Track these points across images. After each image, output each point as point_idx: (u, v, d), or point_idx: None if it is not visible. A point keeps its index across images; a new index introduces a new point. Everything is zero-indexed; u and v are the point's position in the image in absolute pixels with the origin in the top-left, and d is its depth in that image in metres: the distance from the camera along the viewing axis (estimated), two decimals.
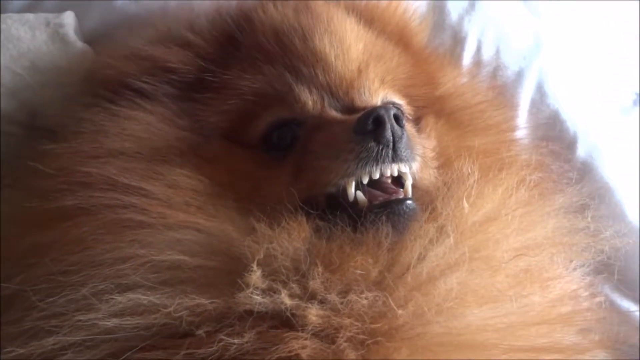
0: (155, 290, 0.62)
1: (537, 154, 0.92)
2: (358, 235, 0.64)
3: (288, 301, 0.60)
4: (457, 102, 0.88)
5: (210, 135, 0.75)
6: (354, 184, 0.67)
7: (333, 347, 0.59)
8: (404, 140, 0.68)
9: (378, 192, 0.68)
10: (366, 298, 0.60)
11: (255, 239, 0.63)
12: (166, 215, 0.66)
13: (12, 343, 0.63)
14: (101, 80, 0.79)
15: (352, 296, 0.61)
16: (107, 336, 0.60)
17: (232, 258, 0.63)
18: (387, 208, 0.66)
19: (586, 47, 1.20)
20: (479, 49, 1.05)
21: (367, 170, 0.67)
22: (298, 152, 0.71)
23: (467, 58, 1.04)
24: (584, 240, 0.77)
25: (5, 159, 0.80)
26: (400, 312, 0.60)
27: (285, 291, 0.61)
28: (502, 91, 1.02)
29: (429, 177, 0.75)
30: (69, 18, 0.88)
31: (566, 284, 0.73)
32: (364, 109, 0.71)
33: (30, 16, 0.87)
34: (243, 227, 0.66)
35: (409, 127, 0.74)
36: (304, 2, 0.85)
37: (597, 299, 0.80)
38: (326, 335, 0.60)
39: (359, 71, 0.77)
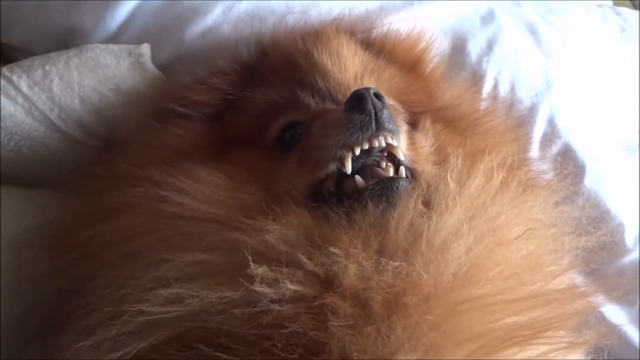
0: (188, 283, 0.65)
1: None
2: (359, 215, 0.69)
3: (291, 286, 0.63)
4: (455, 112, 0.94)
5: (234, 143, 0.85)
6: (350, 157, 0.73)
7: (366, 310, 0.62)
8: (386, 112, 0.74)
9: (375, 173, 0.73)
10: (390, 265, 0.64)
11: (255, 230, 0.68)
12: (193, 208, 0.73)
13: (79, 337, 0.66)
14: (156, 104, 0.94)
15: (377, 263, 0.63)
16: (157, 316, 0.64)
17: (237, 250, 0.67)
18: (381, 184, 0.72)
19: (593, 87, 1.26)
20: (496, 86, 1.14)
21: (356, 138, 0.73)
22: (302, 142, 0.80)
23: (485, 93, 1.12)
24: (576, 230, 0.79)
25: (80, 166, 0.92)
26: (425, 277, 0.63)
27: (286, 279, 0.63)
28: (518, 123, 1.08)
29: (428, 168, 0.80)
30: (146, 49, 1.01)
31: (566, 276, 0.75)
32: None
33: (114, 46, 1.00)
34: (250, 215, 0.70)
35: (391, 108, 0.79)
36: (310, 30, 0.96)
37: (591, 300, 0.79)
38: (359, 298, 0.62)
39: (355, 78, 0.86)
